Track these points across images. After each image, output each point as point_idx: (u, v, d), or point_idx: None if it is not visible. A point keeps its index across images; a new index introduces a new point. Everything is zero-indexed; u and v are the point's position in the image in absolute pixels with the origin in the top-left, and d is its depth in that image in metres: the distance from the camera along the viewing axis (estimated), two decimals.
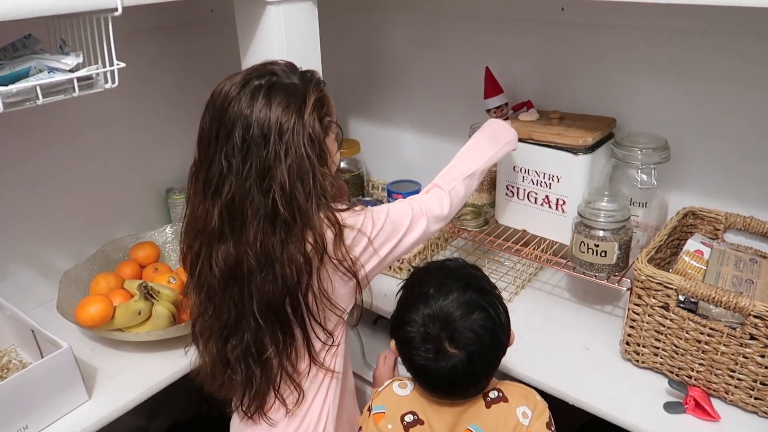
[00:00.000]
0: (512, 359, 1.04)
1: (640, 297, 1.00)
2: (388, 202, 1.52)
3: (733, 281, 1.01)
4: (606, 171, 1.19)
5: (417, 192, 1.52)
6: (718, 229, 1.16)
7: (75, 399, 1.03)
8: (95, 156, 1.35)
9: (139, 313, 1.13)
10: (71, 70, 0.90)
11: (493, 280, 1.28)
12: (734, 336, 0.92)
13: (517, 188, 1.24)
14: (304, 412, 0.95)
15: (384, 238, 0.93)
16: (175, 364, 1.11)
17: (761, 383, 0.92)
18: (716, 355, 0.94)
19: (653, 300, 0.99)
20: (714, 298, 0.90)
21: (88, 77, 0.92)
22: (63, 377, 1.00)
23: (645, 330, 1.02)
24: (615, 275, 1.10)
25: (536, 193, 1.21)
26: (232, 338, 0.90)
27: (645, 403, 0.98)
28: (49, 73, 0.88)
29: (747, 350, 0.91)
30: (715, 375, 0.96)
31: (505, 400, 0.88)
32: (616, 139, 1.16)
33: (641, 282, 0.99)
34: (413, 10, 1.46)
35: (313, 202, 0.84)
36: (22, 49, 0.95)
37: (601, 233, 1.07)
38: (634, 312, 1.02)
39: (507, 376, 1.04)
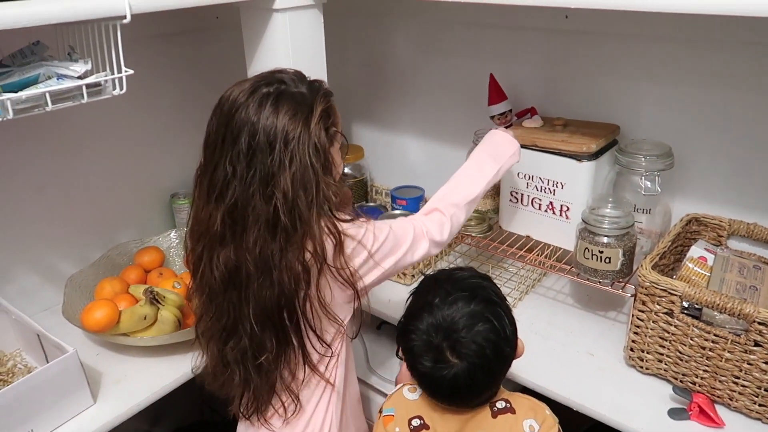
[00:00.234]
0: (516, 365, 1.03)
1: (644, 303, 1.01)
2: (393, 208, 1.53)
3: (737, 288, 1.01)
4: (610, 178, 1.19)
5: (421, 198, 1.53)
6: (721, 236, 1.16)
7: (80, 403, 1.03)
8: (100, 161, 1.35)
9: (145, 318, 1.13)
10: (80, 77, 0.90)
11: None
12: (738, 342, 0.92)
13: (521, 194, 1.24)
14: (305, 422, 0.95)
15: (384, 253, 0.93)
16: (180, 368, 1.12)
17: (765, 390, 0.92)
18: (720, 361, 0.94)
19: (657, 306, 0.99)
20: (719, 304, 0.91)
21: (97, 84, 0.92)
22: (68, 381, 1.00)
23: (649, 336, 1.02)
24: (619, 281, 1.11)
25: (540, 200, 1.21)
26: (231, 340, 0.91)
27: (649, 410, 0.98)
28: (57, 79, 0.89)
29: (751, 357, 0.91)
30: (720, 381, 0.96)
31: (513, 411, 0.88)
32: (620, 146, 1.16)
33: (645, 288, 0.99)
34: (418, 18, 1.47)
35: (314, 211, 0.84)
36: (31, 56, 0.96)
37: (605, 240, 1.08)
38: (638, 318, 1.03)
39: (510, 382, 1.04)
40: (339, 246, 0.86)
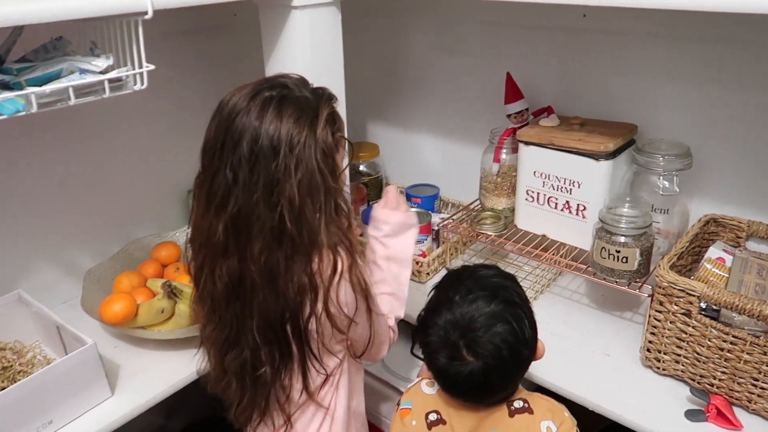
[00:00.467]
0: (532, 363, 1.03)
1: (661, 304, 1.00)
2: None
3: (755, 289, 1.00)
4: (627, 177, 1.18)
5: (436, 197, 1.54)
6: (740, 237, 1.15)
7: (98, 395, 1.04)
8: (119, 157, 1.37)
9: (162, 312, 1.14)
10: (102, 72, 0.91)
11: None
12: (758, 344, 0.91)
13: (538, 193, 1.24)
14: None
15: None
16: (196, 363, 1.12)
17: None
18: (739, 363, 0.94)
19: (675, 307, 0.98)
20: (738, 305, 0.90)
21: (118, 79, 0.93)
22: (87, 373, 1.01)
23: (666, 337, 1.01)
24: (636, 281, 1.10)
25: (556, 199, 1.21)
26: (231, 351, 0.89)
27: (666, 411, 0.98)
28: (80, 74, 0.90)
29: None
30: (738, 383, 0.95)
31: (530, 411, 0.87)
32: (637, 146, 1.16)
33: (663, 288, 0.99)
34: (434, 16, 1.47)
35: (322, 219, 0.81)
36: (53, 51, 0.97)
37: (622, 239, 1.07)
38: (655, 319, 1.02)
39: (525, 381, 1.04)
40: (349, 253, 0.84)
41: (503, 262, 1.41)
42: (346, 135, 0.91)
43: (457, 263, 1.41)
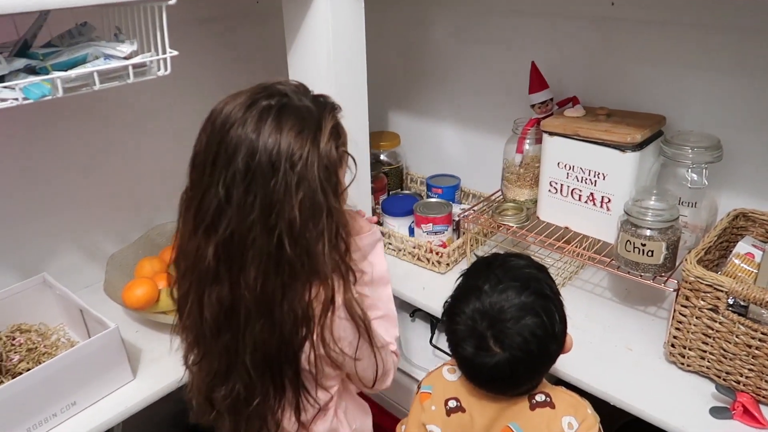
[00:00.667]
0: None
1: (687, 299, 0.98)
2: (428, 196, 1.52)
3: None
4: (654, 169, 1.16)
5: (457, 187, 1.52)
6: None
7: (120, 378, 1.05)
8: (142, 144, 1.38)
9: None
10: (126, 57, 0.92)
11: None
12: None
13: (561, 185, 1.22)
14: None
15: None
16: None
17: None
18: (767, 360, 0.91)
19: (702, 302, 0.96)
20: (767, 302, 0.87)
21: (142, 64, 0.94)
22: (109, 356, 1.03)
23: (692, 333, 0.99)
24: (661, 275, 1.08)
25: (580, 190, 1.19)
26: (221, 387, 0.83)
27: (690, 407, 0.96)
28: (105, 59, 0.91)
29: None
30: (766, 381, 0.93)
31: (552, 406, 0.86)
32: (665, 137, 1.13)
33: (690, 283, 0.96)
34: (458, 5, 1.45)
35: (324, 244, 0.74)
36: (79, 37, 0.98)
37: (648, 232, 1.05)
38: (680, 314, 1.00)
39: (547, 374, 1.03)
40: (346, 282, 0.78)
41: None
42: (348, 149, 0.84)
43: (480, 253, 1.40)
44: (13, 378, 0.96)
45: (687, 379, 1.02)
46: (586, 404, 0.88)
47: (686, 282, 0.97)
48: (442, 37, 1.52)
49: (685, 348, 1.01)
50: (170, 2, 0.90)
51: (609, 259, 1.15)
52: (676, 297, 1.00)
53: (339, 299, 0.78)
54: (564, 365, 1.04)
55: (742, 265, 1.04)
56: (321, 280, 0.76)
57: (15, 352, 1.08)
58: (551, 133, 1.19)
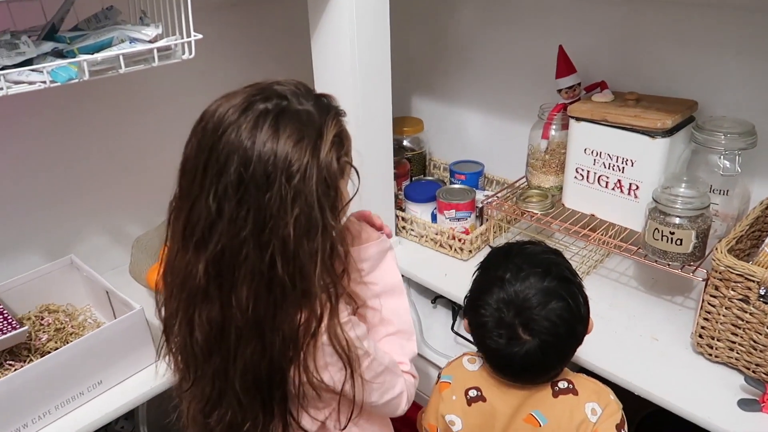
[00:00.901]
0: None
1: (717, 288, 0.96)
2: (451, 182, 1.51)
3: None
4: (684, 156, 1.13)
5: (480, 173, 1.51)
6: None
7: (145, 359, 1.07)
8: (168, 127, 1.38)
9: None
10: (151, 41, 0.92)
11: None
12: None
13: (588, 171, 1.19)
14: None
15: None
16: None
17: None
18: None
19: (732, 292, 0.94)
20: None
21: (167, 48, 0.94)
22: (135, 337, 1.04)
23: (721, 323, 0.97)
24: (690, 265, 1.05)
25: (608, 177, 1.17)
26: (215, 412, 0.78)
27: (718, 399, 0.94)
28: (130, 43, 0.91)
29: None
30: None
31: (575, 393, 0.86)
32: (697, 123, 1.10)
33: (720, 273, 0.94)
34: None
35: (317, 264, 0.69)
36: (105, 20, 0.98)
37: (677, 220, 1.03)
38: (709, 304, 0.98)
39: (570, 362, 1.02)
40: (333, 307, 0.72)
41: (549, 241, 1.37)
42: (351, 157, 0.77)
43: (500, 241, 1.39)
44: (41, 357, 0.98)
45: (714, 371, 1.00)
46: (609, 391, 0.88)
47: (716, 272, 0.95)
48: (467, 21, 1.49)
49: (713, 339, 0.99)
50: None
51: (636, 248, 1.12)
52: (705, 287, 0.98)
53: (323, 326, 0.72)
54: (588, 354, 1.03)
55: None
56: (311, 304, 0.71)
57: (44, 332, 1.11)
58: (578, 119, 1.17)
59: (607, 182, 1.17)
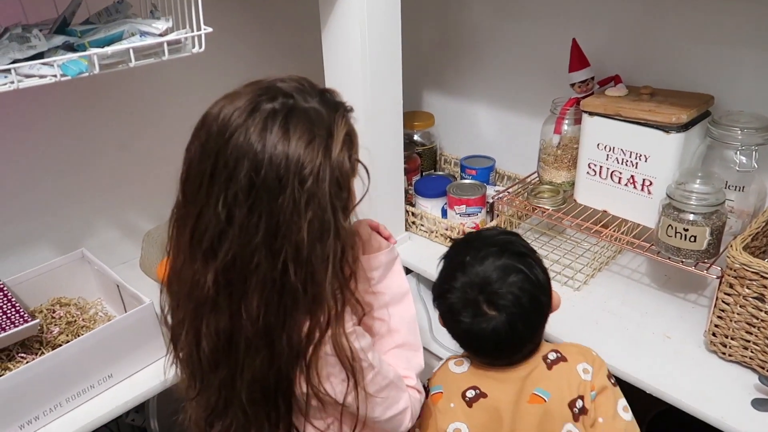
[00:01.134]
0: (586, 341, 1.00)
1: (731, 286, 0.94)
2: (462, 177, 1.50)
3: None
4: (700, 152, 1.11)
5: (492, 168, 1.50)
6: None
7: (155, 352, 1.07)
8: (178, 122, 1.36)
9: None
10: (161, 35, 0.92)
11: (567, 261, 1.27)
12: None
13: (600, 167, 1.18)
14: None
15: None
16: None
17: None
18: None
19: (747, 290, 0.92)
20: None
21: (177, 41, 0.94)
22: (145, 331, 1.05)
23: (735, 321, 0.95)
24: (704, 262, 1.04)
25: (621, 173, 1.15)
26: (219, 422, 0.77)
27: (731, 398, 0.93)
28: (140, 36, 0.91)
29: None
30: None
31: (564, 359, 0.88)
32: (713, 118, 1.08)
33: (734, 270, 0.93)
34: None
35: (329, 269, 0.67)
36: (116, 14, 0.98)
37: (691, 217, 1.01)
38: (723, 302, 0.96)
39: None
40: (339, 315, 0.70)
41: (560, 238, 1.36)
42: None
43: None
44: (53, 350, 0.99)
45: (728, 369, 0.99)
46: (590, 348, 0.91)
47: (731, 269, 0.93)
48: (479, 14, 1.48)
49: (727, 337, 0.98)
50: None
51: (648, 244, 1.11)
52: (719, 284, 0.97)
53: (327, 335, 0.70)
54: (599, 351, 1.01)
55: None
56: (320, 310, 0.69)
57: (55, 325, 1.11)
58: (591, 113, 1.16)
59: (620, 178, 1.16)
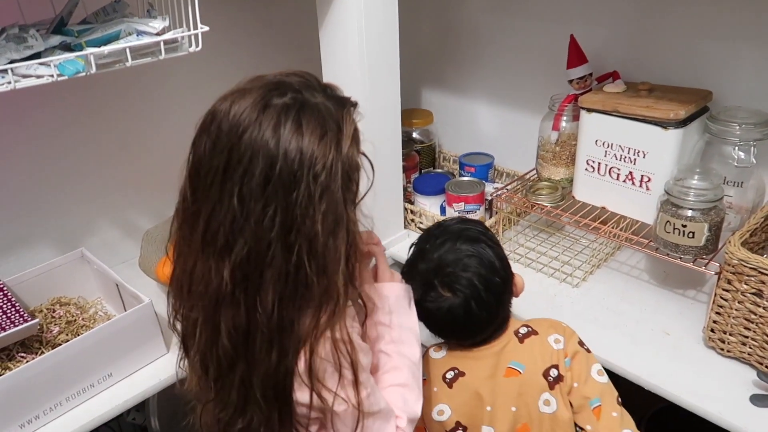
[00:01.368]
0: (585, 337, 1.00)
1: (730, 282, 0.94)
2: (460, 174, 1.50)
3: None
4: (698, 147, 1.11)
5: (490, 165, 1.49)
6: None
7: (154, 351, 1.08)
8: (176, 120, 1.38)
9: None
10: (158, 34, 0.92)
11: (566, 258, 1.27)
12: None
13: (599, 163, 1.18)
14: None
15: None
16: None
17: None
18: None
19: (745, 286, 0.92)
20: None
21: (174, 40, 0.94)
22: (144, 330, 1.05)
23: (733, 317, 0.96)
24: (702, 258, 1.04)
25: (619, 169, 1.15)
26: (239, 421, 0.74)
27: (729, 394, 0.93)
28: (137, 36, 0.91)
29: None
30: None
31: (535, 332, 0.93)
32: (711, 113, 1.08)
33: (733, 266, 0.93)
34: None
35: (341, 263, 0.67)
36: (113, 13, 0.98)
37: (689, 213, 1.01)
38: (722, 298, 0.96)
39: None
40: (339, 313, 0.69)
41: (559, 234, 1.36)
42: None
43: (510, 234, 1.38)
44: (53, 349, 0.99)
45: (726, 365, 0.99)
46: (561, 321, 0.96)
47: (729, 265, 0.93)
48: (477, 10, 1.48)
49: (725, 333, 0.98)
50: None
51: (647, 241, 1.11)
52: (718, 280, 0.97)
53: (327, 333, 0.69)
54: (597, 347, 1.02)
55: None
56: (330, 302, 0.69)
57: (55, 324, 1.12)
58: (589, 110, 1.16)
59: (618, 174, 1.16)
